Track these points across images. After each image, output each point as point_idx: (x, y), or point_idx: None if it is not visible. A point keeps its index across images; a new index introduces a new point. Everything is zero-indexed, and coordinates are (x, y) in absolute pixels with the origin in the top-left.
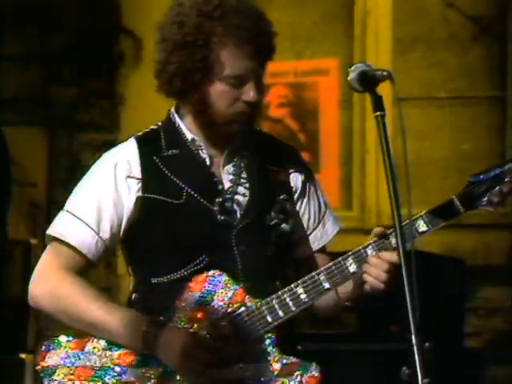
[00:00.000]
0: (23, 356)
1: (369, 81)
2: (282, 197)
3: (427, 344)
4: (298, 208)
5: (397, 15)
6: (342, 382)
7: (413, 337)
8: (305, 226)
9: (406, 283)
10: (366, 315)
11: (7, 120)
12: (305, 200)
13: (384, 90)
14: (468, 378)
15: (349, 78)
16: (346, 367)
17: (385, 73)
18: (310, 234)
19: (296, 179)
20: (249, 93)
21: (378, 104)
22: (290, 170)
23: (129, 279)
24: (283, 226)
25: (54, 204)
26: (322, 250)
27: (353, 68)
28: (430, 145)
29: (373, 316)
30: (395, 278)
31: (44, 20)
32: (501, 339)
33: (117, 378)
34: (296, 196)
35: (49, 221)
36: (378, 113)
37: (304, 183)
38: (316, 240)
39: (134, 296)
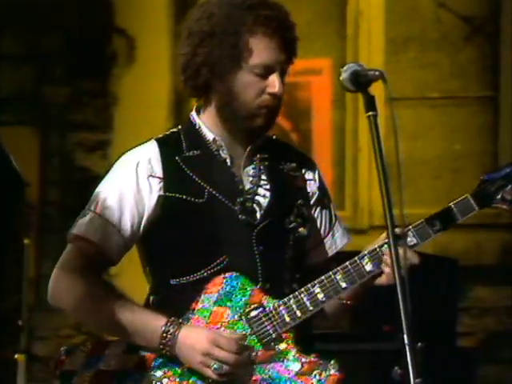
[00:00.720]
0: (16, 356)
1: (361, 81)
2: (299, 201)
3: (420, 344)
4: (313, 213)
5: (389, 15)
6: None
7: (405, 336)
8: (318, 233)
9: (398, 283)
10: (358, 315)
11: (0, 120)
12: (318, 208)
13: (376, 90)
14: (460, 378)
15: (341, 78)
16: (339, 367)
17: (377, 73)
18: (321, 241)
19: (312, 186)
20: (274, 84)
21: (371, 104)
22: (307, 177)
23: (121, 279)
24: (301, 229)
25: (47, 204)
26: (331, 259)
27: (345, 68)
28: (423, 145)
29: (365, 316)
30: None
31: (37, 20)
32: (493, 339)
33: (136, 380)
34: (311, 202)
35: (41, 220)
36: (370, 113)
37: (319, 191)
38: (326, 249)
39: (152, 298)
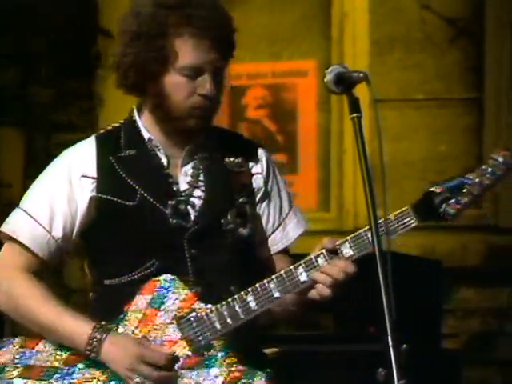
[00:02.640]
0: None
1: (345, 82)
2: (241, 199)
3: (404, 345)
4: (258, 209)
5: (374, 17)
6: (319, 382)
7: (389, 338)
8: (264, 228)
9: (382, 285)
10: (342, 316)
11: None
12: (265, 202)
13: (361, 91)
14: (445, 379)
15: (325, 80)
16: (323, 368)
17: (361, 74)
18: (270, 236)
19: (259, 180)
20: (204, 85)
21: (355, 106)
22: (253, 171)
23: None
24: (240, 230)
25: None
26: (284, 252)
27: (329, 70)
28: (407, 146)
29: (350, 317)
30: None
31: (21, 20)
32: (478, 340)
33: (65, 378)
34: (257, 198)
35: None
36: (354, 114)
37: (266, 184)
38: (276, 243)
39: (90, 295)
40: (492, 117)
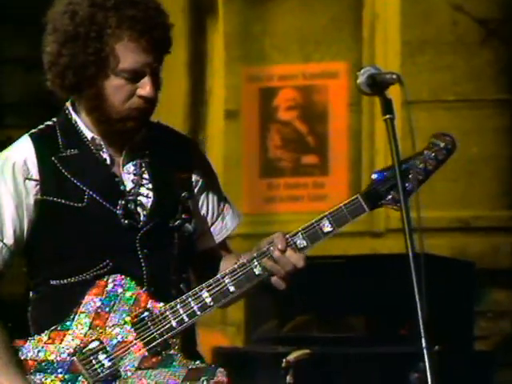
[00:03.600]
0: None
1: (378, 84)
2: (183, 194)
3: (436, 347)
4: (197, 202)
5: (405, 19)
6: None
7: (422, 340)
8: (204, 220)
9: (415, 287)
10: (374, 318)
11: (12, 123)
12: (203, 194)
13: (392, 92)
14: (476, 381)
15: (358, 82)
16: (355, 370)
17: (394, 76)
18: (210, 227)
19: (196, 174)
20: (145, 87)
21: (388, 107)
22: (190, 165)
23: None
24: (186, 225)
25: None
26: (224, 242)
27: (362, 71)
28: None
29: (382, 319)
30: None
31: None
32: (508, 342)
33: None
34: (196, 190)
35: None
36: (387, 116)
37: (203, 177)
38: (215, 234)
39: (31, 294)
40: None
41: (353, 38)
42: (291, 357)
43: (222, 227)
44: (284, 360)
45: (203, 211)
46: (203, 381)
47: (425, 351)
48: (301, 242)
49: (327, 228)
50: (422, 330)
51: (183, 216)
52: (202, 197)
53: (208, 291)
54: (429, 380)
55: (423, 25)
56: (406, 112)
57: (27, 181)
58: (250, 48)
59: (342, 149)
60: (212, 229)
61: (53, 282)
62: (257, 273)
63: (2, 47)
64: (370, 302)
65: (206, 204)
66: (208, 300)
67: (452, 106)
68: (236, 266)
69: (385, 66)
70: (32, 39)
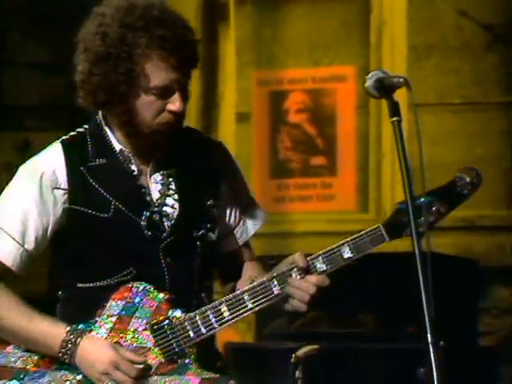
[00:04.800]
0: None
1: (385, 87)
2: (209, 203)
3: (442, 343)
4: (221, 206)
5: (412, 24)
6: (359, 380)
7: (429, 335)
8: (228, 225)
9: (422, 284)
10: (382, 315)
11: (30, 125)
12: (228, 200)
13: (399, 95)
14: (481, 376)
15: (366, 85)
16: (363, 366)
17: (401, 80)
18: (233, 231)
19: (223, 180)
20: (175, 103)
21: (395, 110)
22: (217, 171)
23: None
24: (209, 235)
25: None
26: (245, 245)
27: (370, 75)
28: (444, 149)
29: (390, 316)
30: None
31: (67, 29)
32: None
33: (36, 380)
34: (222, 196)
35: None
36: (394, 118)
37: (230, 184)
38: (238, 237)
39: (59, 293)
40: None
41: (361, 43)
42: (300, 352)
43: (243, 231)
44: (293, 355)
45: (227, 217)
46: None
47: (431, 347)
48: (321, 265)
49: (347, 254)
50: (428, 326)
51: (207, 226)
52: (227, 202)
53: (227, 306)
54: (434, 375)
55: (429, 30)
56: (412, 115)
57: (55, 190)
58: (260, 53)
59: (350, 150)
60: (234, 232)
61: (79, 285)
62: (275, 292)
63: (21, 52)
64: (378, 300)
65: (230, 209)
66: (226, 314)
67: (457, 109)
68: (256, 283)
69: (392, 70)
70: (49, 45)
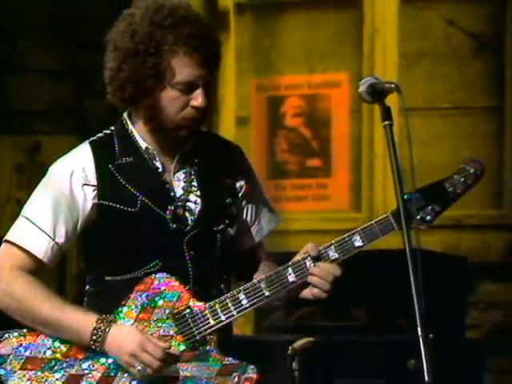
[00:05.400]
0: None
1: (378, 93)
2: (228, 200)
3: (431, 335)
4: (240, 206)
5: (402, 33)
6: (353, 371)
7: (419, 328)
8: (244, 223)
9: (412, 279)
10: (374, 309)
11: (40, 129)
12: (245, 200)
13: (390, 100)
14: (468, 367)
15: (359, 91)
16: (356, 357)
17: (393, 85)
18: (249, 229)
19: (240, 180)
20: (198, 98)
21: (387, 114)
22: (235, 172)
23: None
24: (228, 230)
25: None
26: (260, 243)
27: (363, 81)
28: (433, 151)
29: (382, 310)
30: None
31: (76, 37)
32: (498, 331)
33: (65, 370)
34: (239, 196)
35: None
36: (386, 122)
37: (246, 184)
38: (254, 235)
39: (87, 287)
40: None
41: (354, 51)
42: (297, 344)
43: (258, 230)
44: (290, 347)
45: (244, 215)
46: (235, 376)
47: (421, 339)
48: (333, 254)
49: (358, 243)
50: (418, 320)
51: (226, 221)
52: (244, 202)
53: (245, 294)
54: (424, 366)
55: (419, 39)
56: (403, 119)
57: (85, 186)
58: (259, 60)
59: (344, 153)
60: (251, 230)
61: (107, 278)
62: (290, 280)
63: (31, 60)
64: (370, 294)
65: (247, 209)
66: (244, 302)
67: (446, 113)
68: (272, 272)
69: (384, 77)
70: (58, 53)
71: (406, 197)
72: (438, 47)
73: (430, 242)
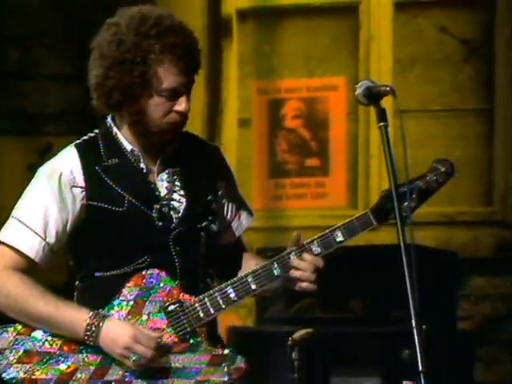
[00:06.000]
0: None
1: (373, 95)
2: (209, 198)
3: (424, 326)
4: (220, 203)
5: (397, 39)
6: (349, 360)
7: (413, 320)
8: (225, 219)
9: (406, 273)
10: (370, 301)
11: (51, 131)
12: (225, 197)
13: (385, 102)
14: (459, 356)
15: (356, 93)
16: (353, 347)
17: (388, 88)
18: (229, 225)
19: (219, 179)
20: (181, 104)
21: (382, 115)
22: (214, 171)
23: None
24: (211, 226)
25: None
26: (239, 238)
27: (359, 84)
28: (426, 152)
29: (377, 302)
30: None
31: (84, 44)
32: (488, 322)
33: (62, 362)
34: (219, 193)
35: None
36: (381, 123)
37: (226, 182)
38: (234, 231)
39: (77, 283)
40: (501, 126)
41: (351, 56)
42: (296, 335)
43: (238, 225)
44: (290, 338)
45: (224, 211)
46: (224, 366)
47: (414, 330)
48: (316, 248)
49: (339, 238)
50: (412, 312)
51: (209, 218)
52: (224, 199)
53: (232, 288)
54: (418, 356)
55: (413, 44)
56: (398, 120)
57: (74, 188)
58: (260, 65)
59: (341, 153)
60: (231, 226)
61: (97, 274)
62: (276, 274)
63: (43, 66)
64: (366, 287)
65: (227, 205)
66: (232, 295)
67: (438, 115)
68: (258, 267)
69: (379, 80)
70: (68, 59)
71: (383, 193)
72: (430, 53)
73: (423, 237)
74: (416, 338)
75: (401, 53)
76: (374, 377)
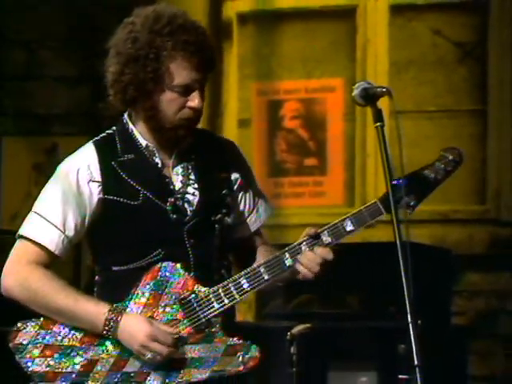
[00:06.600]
0: None
1: (370, 96)
2: (224, 192)
3: (419, 322)
4: (236, 197)
5: (393, 42)
6: (346, 355)
7: (408, 315)
8: (242, 213)
9: (402, 269)
10: (367, 297)
11: (58, 131)
12: (242, 191)
13: (382, 103)
14: (453, 351)
15: (353, 94)
16: (350, 342)
17: (384, 89)
18: (246, 219)
19: (235, 173)
20: (194, 100)
21: (378, 116)
22: (230, 165)
23: None
24: (226, 219)
25: None
26: (258, 232)
27: (356, 86)
28: (421, 152)
29: (374, 298)
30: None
31: (91, 47)
32: (481, 317)
33: (82, 355)
34: (235, 187)
35: None
36: (378, 123)
37: (241, 176)
38: (251, 224)
39: (96, 278)
40: (495, 126)
41: (348, 58)
42: (295, 330)
43: (256, 218)
44: (289, 333)
45: (241, 205)
46: (239, 356)
47: (410, 325)
48: (326, 238)
49: (349, 227)
50: (407, 307)
51: (223, 211)
52: (241, 193)
53: (245, 278)
54: (413, 350)
55: (408, 47)
56: (393, 121)
57: (91, 183)
58: (259, 67)
59: (339, 152)
60: (248, 220)
61: (114, 268)
62: (287, 264)
63: (51, 68)
64: (363, 283)
65: (244, 199)
66: (246, 286)
67: (433, 116)
68: (270, 257)
69: (375, 82)
70: (75, 61)
71: (394, 182)
72: (425, 55)
73: (418, 235)
74: (411, 333)
75: (396, 55)
76: (371, 371)
